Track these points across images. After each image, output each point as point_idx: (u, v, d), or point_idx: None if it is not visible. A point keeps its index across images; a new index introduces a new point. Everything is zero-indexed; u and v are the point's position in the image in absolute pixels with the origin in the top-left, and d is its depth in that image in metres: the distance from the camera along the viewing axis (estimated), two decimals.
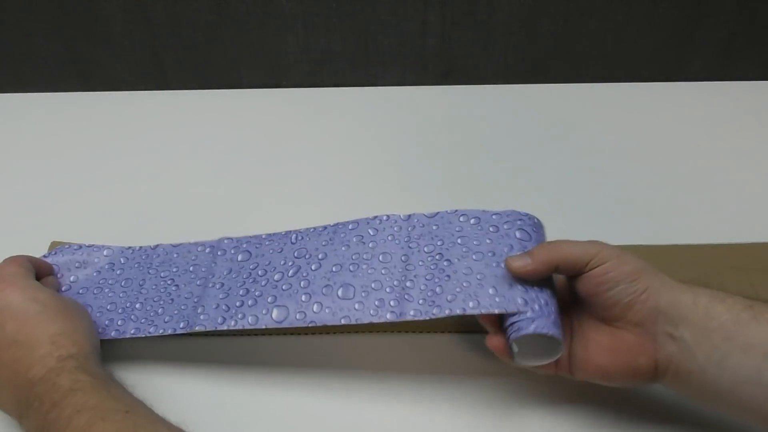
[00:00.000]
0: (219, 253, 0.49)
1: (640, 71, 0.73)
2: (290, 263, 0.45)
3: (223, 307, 0.44)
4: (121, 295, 0.48)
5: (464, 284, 0.40)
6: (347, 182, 0.62)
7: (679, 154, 0.64)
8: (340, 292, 0.42)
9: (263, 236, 0.49)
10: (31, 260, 0.47)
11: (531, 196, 0.60)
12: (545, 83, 0.73)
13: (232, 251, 0.49)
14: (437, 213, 0.45)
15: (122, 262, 0.51)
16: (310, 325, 0.41)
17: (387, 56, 0.72)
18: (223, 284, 0.46)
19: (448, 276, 0.41)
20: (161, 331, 0.45)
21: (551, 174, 0.62)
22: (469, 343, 0.48)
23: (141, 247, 0.52)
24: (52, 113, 0.72)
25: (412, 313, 0.40)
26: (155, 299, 0.47)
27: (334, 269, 0.43)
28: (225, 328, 0.43)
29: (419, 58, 0.72)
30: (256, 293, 0.44)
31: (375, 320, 0.41)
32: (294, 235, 0.47)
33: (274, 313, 0.42)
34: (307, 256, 0.45)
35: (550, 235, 0.55)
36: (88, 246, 0.52)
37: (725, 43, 0.70)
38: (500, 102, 0.72)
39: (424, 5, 0.68)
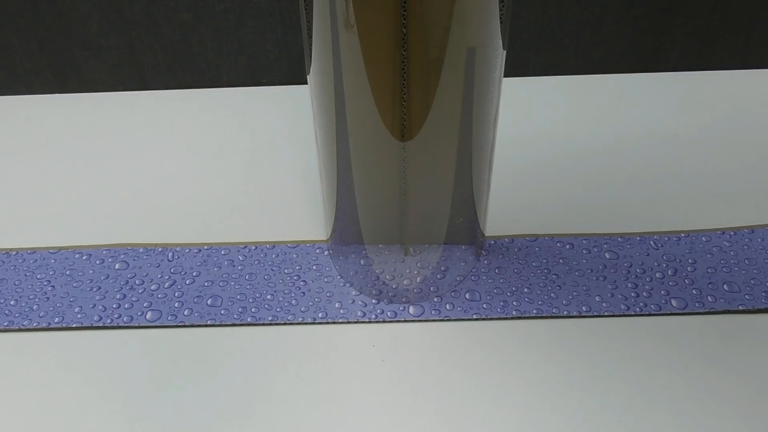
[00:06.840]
0: (97, 261, 0.55)
1: (618, 63, 0.74)
2: (167, 277, 0.54)
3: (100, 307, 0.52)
4: None
5: (316, 300, 0.51)
6: None
7: (657, 144, 0.65)
8: (209, 302, 0.52)
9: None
10: None
11: (510, 188, 0.60)
12: (524, 76, 0.74)
13: (110, 260, 0.55)
14: (297, 245, 0.55)
15: None
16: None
17: None
18: (100, 288, 0.53)
19: (303, 293, 0.52)
20: (35, 324, 0.51)
21: (529, 166, 0.63)
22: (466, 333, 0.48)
23: (17, 252, 0.56)
24: (27, 116, 0.71)
25: (269, 318, 0.50)
26: (30, 297, 0.53)
27: (205, 284, 0.53)
28: (101, 324, 0.51)
29: None
30: (133, 299, 0.52)
31: (237, 322, 0.50)
32: (170, 253, 0.56)
33: (149, 315, 0.51)
34: (182, 273, 0.54)
35: (529, 227, 0.56)
36: None
37: (701, 32, 0.71)
38: None
39: None
